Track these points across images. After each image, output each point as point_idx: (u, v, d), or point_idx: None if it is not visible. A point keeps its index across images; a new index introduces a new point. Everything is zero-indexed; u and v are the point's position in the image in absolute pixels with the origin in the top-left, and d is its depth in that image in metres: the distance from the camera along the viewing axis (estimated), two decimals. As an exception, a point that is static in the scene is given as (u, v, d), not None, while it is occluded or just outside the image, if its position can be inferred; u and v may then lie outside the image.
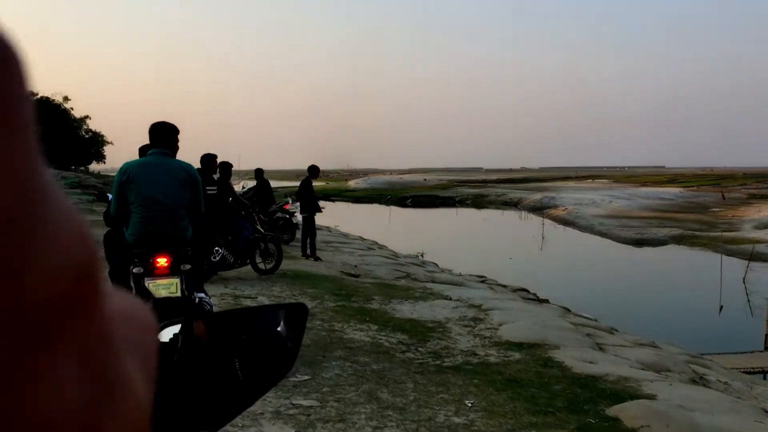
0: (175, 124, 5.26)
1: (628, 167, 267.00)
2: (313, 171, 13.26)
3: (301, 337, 1.04)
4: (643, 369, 5.94)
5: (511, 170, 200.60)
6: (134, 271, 4.87)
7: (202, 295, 5.53)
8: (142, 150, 5.90)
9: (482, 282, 15.58)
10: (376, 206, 57.46)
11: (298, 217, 14.26)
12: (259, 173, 15.32)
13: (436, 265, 18.46)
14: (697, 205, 48.16)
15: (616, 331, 8.85)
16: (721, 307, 15.91)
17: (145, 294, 4.77)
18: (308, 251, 13.09)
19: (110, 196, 6.87)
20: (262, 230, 10.18)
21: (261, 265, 10.11)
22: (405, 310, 8.00)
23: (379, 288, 9.85)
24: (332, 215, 28.46)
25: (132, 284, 5.04)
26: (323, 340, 6.05)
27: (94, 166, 52.64)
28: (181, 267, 4.89)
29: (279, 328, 0.99)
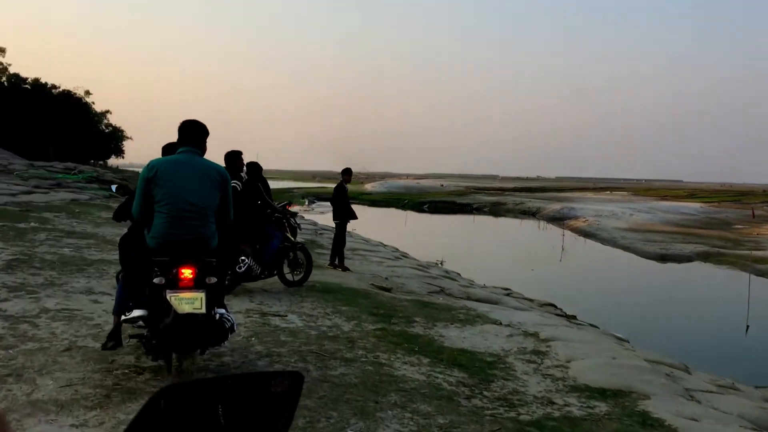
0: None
1: (645, 180, 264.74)
2: (347, 174, 12.33)
3: (295, 406, 1.23)
4: (754, 429, 4.99)
5: (527, 179, 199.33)
6: (155, 281, 4.34)
7: (223, 311, 4.76)
8: (167, 149, 5.22)
9: (508, 295, 14.80)
10: (393, 210, 56.79)
11: (304, 217, 13.28)
12: (258, 170, 14.48)
13: (459, 274, 17.76)
14: (720, 222, 47.07)
15: (686, 365, 7.86)
16: (747, 327, 15.10)
17: (166, 307, 4.26)
18: (336, 261, 12.20)
19: (115, 188, 6.05)
20: (292, 238, 9.27)
21: (289, 276, 9.23)
22: (454, 337, 7.05)
23: (417, 306, 8.92)
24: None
25: (148, 293, 4.49)
26: (371, 377, 5.12)
27: (113, 161, 52.36)
28: (207, 280, 4.37)
29: (271, 396, 1.19)
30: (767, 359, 13.20)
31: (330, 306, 8.02)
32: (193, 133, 4.71)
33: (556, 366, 6.05)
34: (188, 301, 4.24)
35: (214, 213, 4.66)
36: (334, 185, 12.70)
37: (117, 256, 10.52)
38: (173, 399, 1.12)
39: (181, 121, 4.78)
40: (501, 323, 8.06)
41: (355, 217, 12.50)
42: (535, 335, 7.41)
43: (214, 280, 4.46)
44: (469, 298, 11.86)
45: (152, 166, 4.55)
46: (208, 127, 4.85)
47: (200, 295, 4.28)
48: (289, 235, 9.24)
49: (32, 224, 13.57)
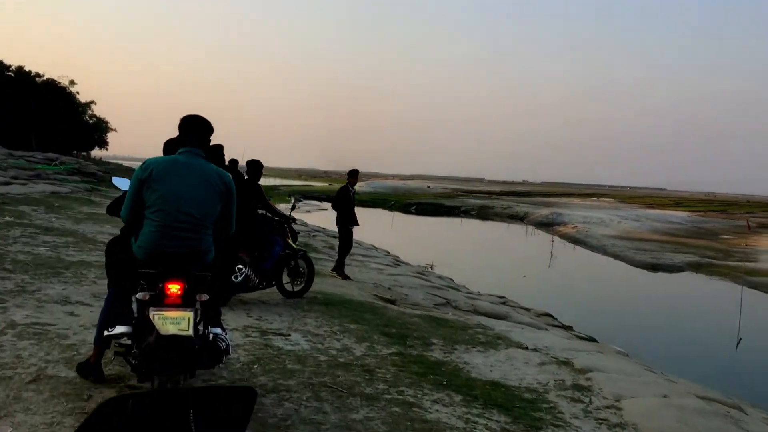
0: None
1: (630, 187, 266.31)
2: (353, 176, 11.45)
3: (246, 422, 1.91)
4: None
5: (513, 183, 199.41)
6: (138, 296, 3.70)
7: (218, 330, 4.08)
8: (168, 146, 4.48)
9: (503, 303, 14.19)
10: (379, 211, 56.00)
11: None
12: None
13: (452, 280, 17.07)
14: (707, 231, 46.81)
15: (733, 397, 7.10)
16: (740, 340, 14.73)
17: (149, 327, 3.62)
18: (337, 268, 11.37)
19: (116, 181, 5.23)
20: (293, 245, 8.40)
21: (288, 287, 8.38)
22: (480, 365, 6.23)
23: (430, 324, 8.09)
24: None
25: (135, 311, 3.91)
26: (401, 423, 4.27)
27: (96, 153, 51.26)
28: (197, 297, 3.75)
29: (222, 411, 1.73)
30: (761, 374, 12.64)
31: (336, 323, 7.18)
32: (195, 130, 4.15)
33: (607, 407, 5.24)
34: (173, 321, 3.58)
35: (212, 224, 4.05)
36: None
37: (98, 257, 9.62)
38: (116, 412, 1.28)
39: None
40: (527, 347, 7.25)
41: (356, 224, 11.66)
42: (568, 364, 6.60)
43: (205, 297, 3.80)
44: (476, 312, 11.10)
45: (147, 165, 3.94)
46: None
47: (188, 315, 3.62)
48: (290, 240, 8.38)
49: (7, 218, 12.59)
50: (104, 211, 4.89)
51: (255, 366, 5.16)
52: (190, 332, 3.60)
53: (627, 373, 6.62)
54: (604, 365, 6.71)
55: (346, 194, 11.37)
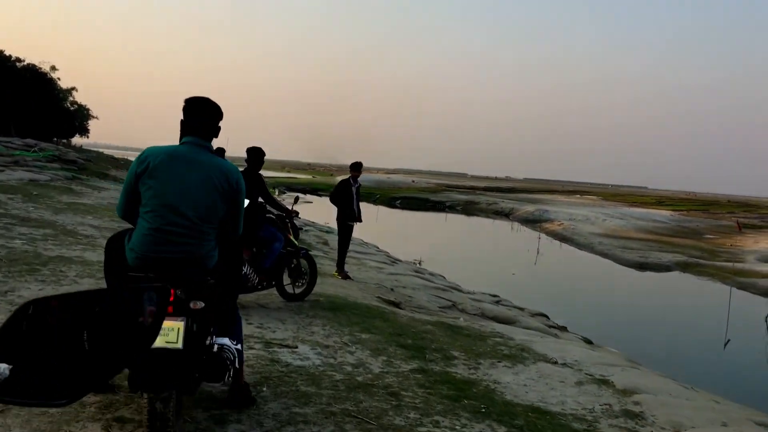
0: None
1: (612, 185, 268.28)
2: (356, 169, 10.71)
3: (162, 317, 1.95)
4: None
5: (496, 178, 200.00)
6: None
7: (225, 341, 3.55)
8: None
9: (498, 302, 13.61)
10: (364, 205, 55.18)
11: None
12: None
13: (444, 277, 16.48)
14: (691, 231, 46.68)
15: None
16: (728, 341, 14.33)
17: None
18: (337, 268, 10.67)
19: None
20: (295, 242, 7.66)
21: (289, 288, 7.65)
22: (512, 384, 5.54)
23: (446, 333, 7.40)
24: (323, 211, 26.35)
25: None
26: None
27: (77, 140, 50.30)
28: (192, 305, 3.30)
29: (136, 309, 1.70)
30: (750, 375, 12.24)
31: (346, 332, 6.46)
32: (200, 114, 3.52)
33: (669, 440, 4.56)
34: (161, 333, 3.08)
35: (214, 228, 3.48)
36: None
37: (79, 252, 8.83)
38: (39, 314, 1.29)
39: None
40: (556, 362, 6.58)
41: (357, 220, 10.94)
42: (607, 383, 5.93)
43: (201, 305, 3.29)
44: (484, 315, 10.46)
45: (144, 157, 3.38)
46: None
47: (178, 326, 3.15)
48: (291, 237, 7.64)
49: (-21, 207, 11.74)
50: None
51: (264, 389, 4.42)
52: (179, 345, 3.13)
53: (672, 394, 5.98)
54: (646, 384, 6.06)
55: (347, 188, 10.66)
